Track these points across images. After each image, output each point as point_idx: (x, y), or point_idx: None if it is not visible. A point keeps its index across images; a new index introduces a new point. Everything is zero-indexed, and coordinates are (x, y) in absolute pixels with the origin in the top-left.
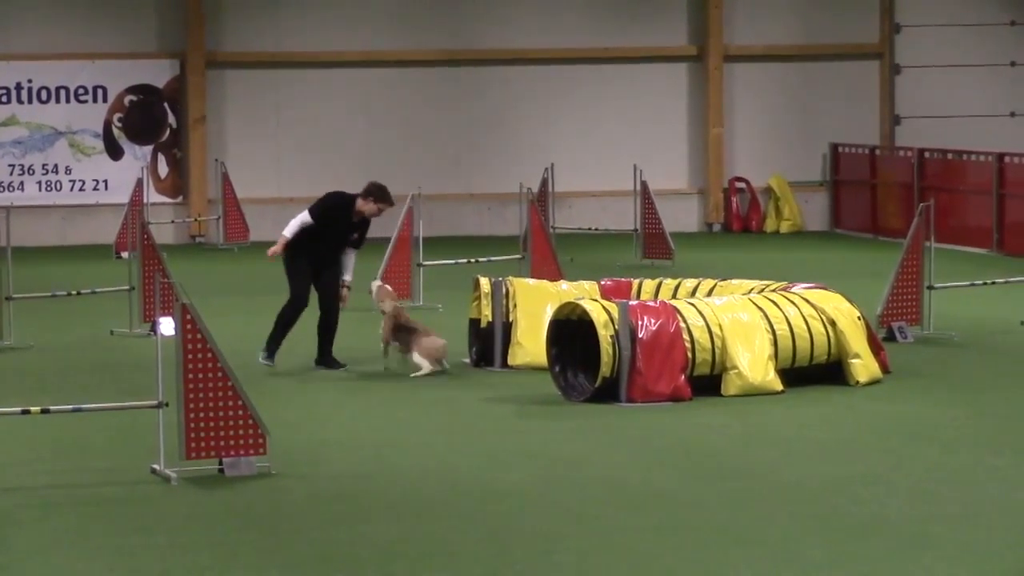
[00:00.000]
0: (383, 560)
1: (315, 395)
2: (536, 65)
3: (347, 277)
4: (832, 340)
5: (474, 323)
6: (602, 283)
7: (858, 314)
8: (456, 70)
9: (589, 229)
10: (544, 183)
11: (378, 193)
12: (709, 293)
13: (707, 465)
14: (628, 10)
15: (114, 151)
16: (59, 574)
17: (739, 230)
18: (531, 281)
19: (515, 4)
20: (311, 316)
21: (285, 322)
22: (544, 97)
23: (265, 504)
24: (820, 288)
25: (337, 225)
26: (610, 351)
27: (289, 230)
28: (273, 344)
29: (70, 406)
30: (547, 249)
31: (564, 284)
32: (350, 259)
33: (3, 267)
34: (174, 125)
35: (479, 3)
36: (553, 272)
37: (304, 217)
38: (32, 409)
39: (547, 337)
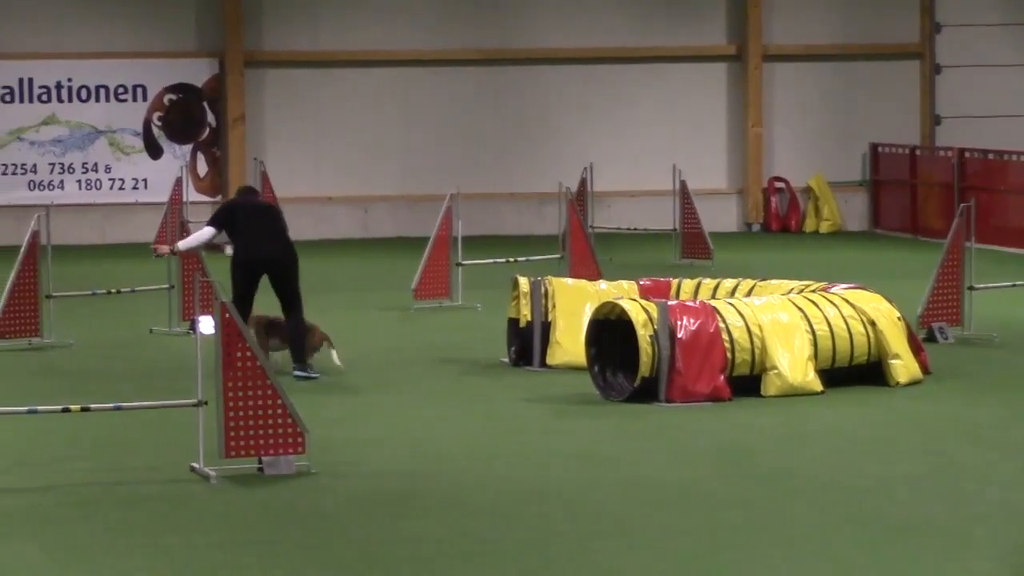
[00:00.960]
0: (422, 559)
1: (354, 394)
2: (575, 65)
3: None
4: (872, 340)
5: (513, 322)
6: (641, 283)
7: (898, 314)
8: (495, 69)
9: (628, 229)
10: (583, 183)
11: None
12: (748, 293)
13: (746, 465)
14: (667, 9)
15: (154, 150)
16: (98, 572)
17: (778, 230)
18: (570, 281)
19: (554, 3)
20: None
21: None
22: (583, 96)
23: (305, 503)
24: (860, 288)
25: None
26: (649, 351)
27: None
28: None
29: (110, 404)
30: (586, 249)
31: (603, 284)
32: None
33: (43, 265)
34: (213, 124)
35: (518, 2)
36: (592, 272)
37: None
38: (72, 407)
39: (586, 337)
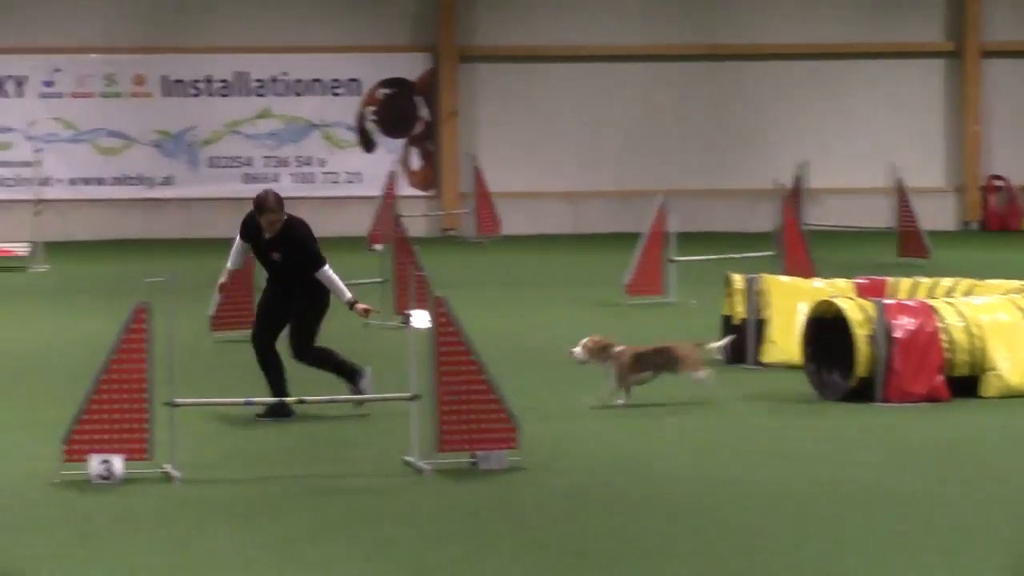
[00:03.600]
0: (637, 556)
1: (565, 389)
2: (789, 60)
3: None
4: None
5: (727, 319)
6: (858, 281)
7: None
8: (708, 65)
9: (842, 226)
10: (797, 179)
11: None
12: (967, 294)
13: (963, 468)
14: (883, 5)
15: (367, 144)
16: (318, 562)
17: (997, 229)
18: (784, 278)
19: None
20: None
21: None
22: (797, 93)
23: (518, 497)
24: None
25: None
26: (866, 350)
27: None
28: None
29: (325, 397)
30: (800, 246)
31: (817, 282)
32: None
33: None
34: (426, 118)
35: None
36: (806, 269)
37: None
38: (288, 399)
39: (803, 335)
